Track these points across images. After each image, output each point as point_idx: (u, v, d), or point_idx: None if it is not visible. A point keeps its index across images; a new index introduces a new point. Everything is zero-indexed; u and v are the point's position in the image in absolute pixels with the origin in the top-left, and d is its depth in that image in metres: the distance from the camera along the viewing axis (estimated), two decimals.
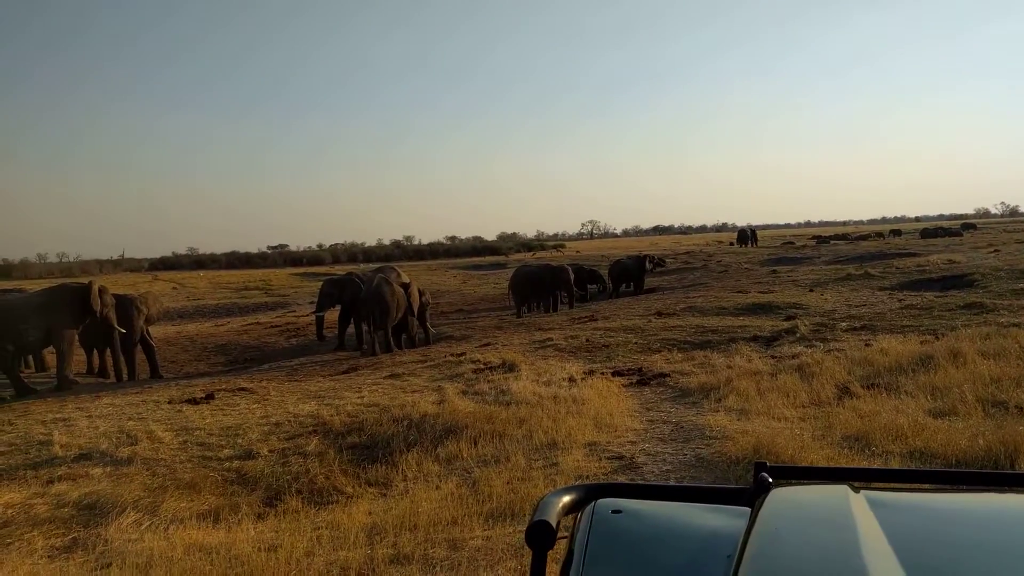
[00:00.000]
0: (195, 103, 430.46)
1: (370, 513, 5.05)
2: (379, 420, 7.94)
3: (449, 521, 4.61)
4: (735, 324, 13.64)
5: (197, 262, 71.53)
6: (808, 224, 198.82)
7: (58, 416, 9.56)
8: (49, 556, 4.68)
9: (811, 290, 19.27)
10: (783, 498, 1.18)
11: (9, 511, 5.57)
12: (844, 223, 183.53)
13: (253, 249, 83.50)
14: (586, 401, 8.01)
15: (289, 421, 8.32)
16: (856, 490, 1.18)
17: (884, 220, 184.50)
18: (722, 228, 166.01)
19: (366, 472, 6.42)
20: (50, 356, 14.96)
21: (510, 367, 10.72)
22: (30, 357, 15.34)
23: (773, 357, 10.31)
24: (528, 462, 5.95)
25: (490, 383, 9.67)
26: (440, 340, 16.76)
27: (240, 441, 7.56)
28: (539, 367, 10.69)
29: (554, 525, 1.17)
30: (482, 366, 11.12)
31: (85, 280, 15.23)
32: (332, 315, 18.01)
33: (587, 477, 5.38)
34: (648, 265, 27.84)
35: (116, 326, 14.17)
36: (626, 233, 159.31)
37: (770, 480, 1.26)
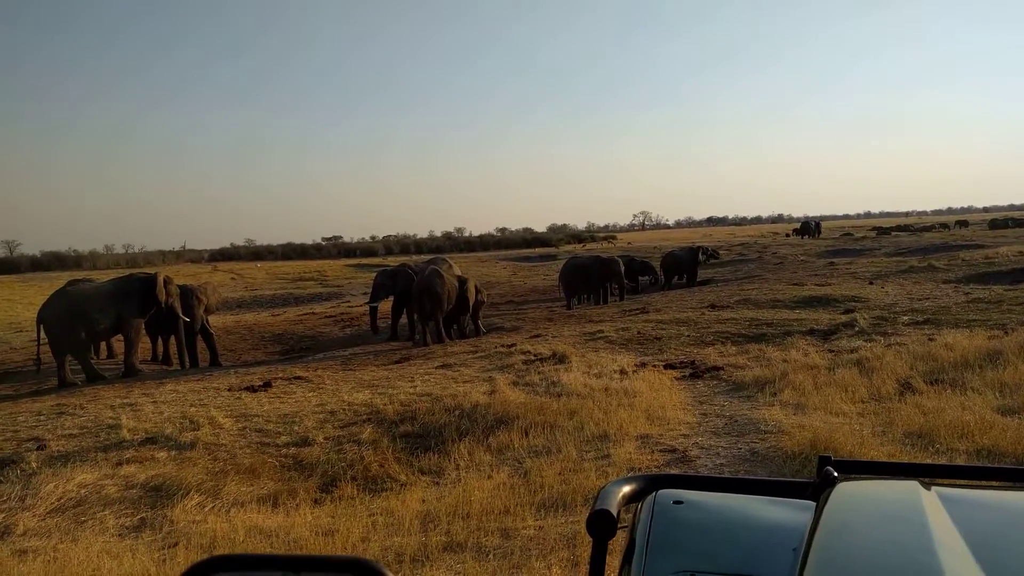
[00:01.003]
0: (250, 99, 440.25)
1: (423, 501, 5.13)
2: (431, 409, 8.03)
3: (501, 510, 4.65)
4: (791, 317, 13.35)
5: (254, 253, 73.39)
6: (868, 215, 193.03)
7: (125, 401, 9.94)
8: (120, 535, 4.89)
9: (871, 283, 18.72)
10: (851, 492, 1.16)
11: (82, 491, 5.84)
12: (906, 214, 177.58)
13: (308, 241, 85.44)
14: (638, 394, 7.96)
15: (344, 409, 8.48)
16: (927, 486, 1.15)
17: (950, 211, 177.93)
18: (778, 219, 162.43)
19: (419, 460, 6.51)
20: (118, 343, 15.55)
21: (560, 359, 10.71)
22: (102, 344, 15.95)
23: (831, 351, 10.06)
24: (579, 454, 5.95)
25: (540, 374, 9.68)
26: (490, 331, 16.84)
27: (296, 428, 7.74)
28: (590, 359, 10.66)
29: (615, 514, 1.18)
30: (532, 357, 11.14)
31: (152, 271, 15.73)
32: (385, 306, 18.27)
33: (639, 470, 5.35)
34: (701, 257, 27.44)
35: (181, 315, 14.63)
36: (679, 224, 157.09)
37: (835, 474, 1.24)
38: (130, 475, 6.33)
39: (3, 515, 5.31)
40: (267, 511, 5.21)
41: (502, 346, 12.89)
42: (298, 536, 4.27)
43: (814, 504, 1.17)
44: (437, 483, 5.80)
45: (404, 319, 17.44)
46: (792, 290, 17.75)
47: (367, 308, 18.29)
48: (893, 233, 50.11)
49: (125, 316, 13.73)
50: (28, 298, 35.18)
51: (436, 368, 11.24)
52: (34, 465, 6.70)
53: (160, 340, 15.85)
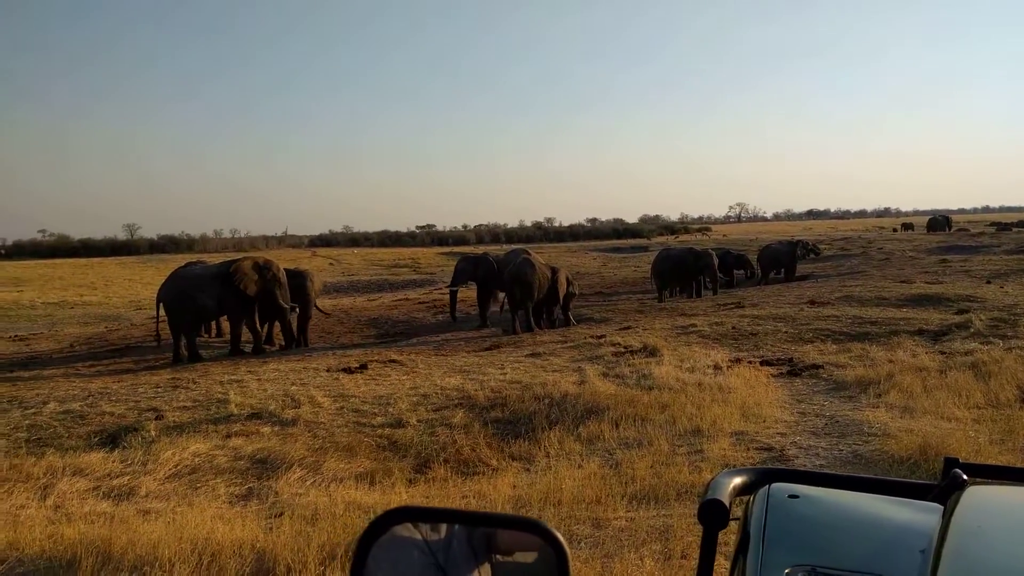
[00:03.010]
0: (348, 91, 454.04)
1: (515, 486, 5.20)
2: (521, 397, 8.11)
3: (592, 500, 4.66)
4: (897, 316, 12.69)
5: (352, 240, 75.99)
6: (987, 209, 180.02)
7: (233, 377, 10.52)
8: (230, 502, 5.19)
9: (988, 282, 17.54)
10: (983, 496, 1.11)
11: (196, 459, 6.23)
12: None
13: (403, 228, 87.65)
14: (732, 389, 7.78)
15: (436, 393, 8.68)
16: None
17: None
18: (884, 213, 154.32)
19: (509, 446, 6.59)
20: (226, 323, 16.33)
21: (651, 351, 10.59)
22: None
23: (942, 353, 9.51)
24: (671, 447, 5.88)
25: (631, 367, 9.61)
26: (580, 322, 16.81)
27: (391, 410, 7.99)
28: (682, 353, 10.48)
29: (727, 505, 1.17)
30: (623, 349, 11.06)
31: (259, 256, 16.28)
32: (468, 293, 18.54)
33: (735, 466, 5.24)
34: (800, 251, 26.41)
35: (280, 300, 14.79)
36: (777, 217, 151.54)
37: (964, 477, 1.18)
38: (238, 447, 6.70)
39: (128, 477, 5.75)
40: (364, 488, 5.41)
41: (591, 337, 12.85)
42: None
43: (940, 507, 1.12)
44: (528, 469, 5.87)
45: (495, 308, 17.64)
46: (899, 288, 16.87)
47: (448, 291, 18.54)
48: (1015, 229, 46.60)
49: (226, 299, 14.23)
50: (146, 278, 37.70)
51: (525, 356, 11.33)
52: (153, 433, 7.20)
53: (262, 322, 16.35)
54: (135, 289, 33.03)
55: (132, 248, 64.69)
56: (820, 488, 1.25)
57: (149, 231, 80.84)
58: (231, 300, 14.22)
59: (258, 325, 15.01)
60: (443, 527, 1.01)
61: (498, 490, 5.03)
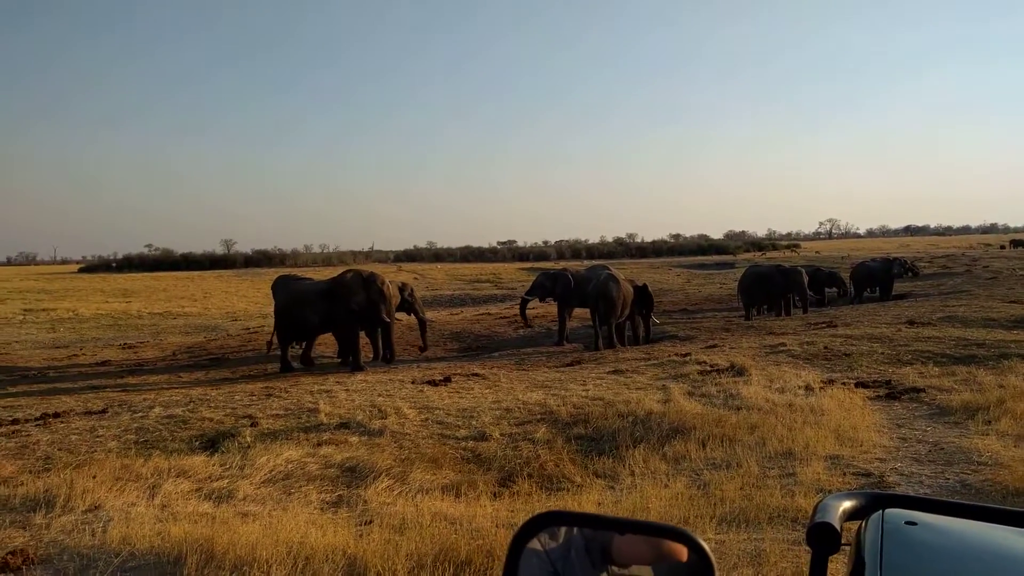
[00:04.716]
0: (421, 102, 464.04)
1: (599, 504, 5.15)
2: (604, 414, 8.04)
3: (679, 520, 4.55)
4: (1007, 338, 11.91)
5: (435, 255, 77.51)
6: None
7: (322, 388, 10.87)
8: (321, 508, 5.35)
9: None
10: None
11: (289, 465, 6.46)
12: None
13: (484, 244, 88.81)
14: (825, 412, 7.48)
15: (518, 408, 8.71)
16: None
17: None
18: (990, 229, 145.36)
19: (593, 463, 6.54)
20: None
21: (739, 371, 10.31)
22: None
23: None
24: (762, 470, 5.69)
25: (717, 386, 9.38)
26: (663, 339, 16.54)
27: (474, 423, 8.06)
28: (771, 373, 10.16)
29: (838, 528, 1.13)
30: (708, 368, 10.82)
31: (364, 268, 16.16)
32: (549, 308, 18.51)
33: (831, 491, 5.02)
34: (896, 270, 25.20)
35: (384, 314, 14.72)
36: (871, 233, 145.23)
37: None
38: (328, 455, 6.91)
39: (227, 481, 6.01)
40: (450, 500, 5.48)
41: (676, 355, 12.62)
42: (480, 526, 4.44)
43: None
44: (612, 487, 5.80)
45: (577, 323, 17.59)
46: (1009, 308, 15.85)
47: (536, 308, 18.46)
48: None
49: (332, 313, 14.34)
50: (241, 291, 39.51)
51: (608, 373, 11.23)
52: (248, 439, 7.50)
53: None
54: (231, 301, 34.63)
55: (229, 262, 68.03)
56: (938, 516, 1.20)
57: (244, 246, 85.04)
58: (337, 314, 14.33)
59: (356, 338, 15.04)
60: (561, 535, 1.02)
61: (583, 507, 4.99)
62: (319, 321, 14.44)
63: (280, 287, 15.34)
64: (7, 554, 4.01)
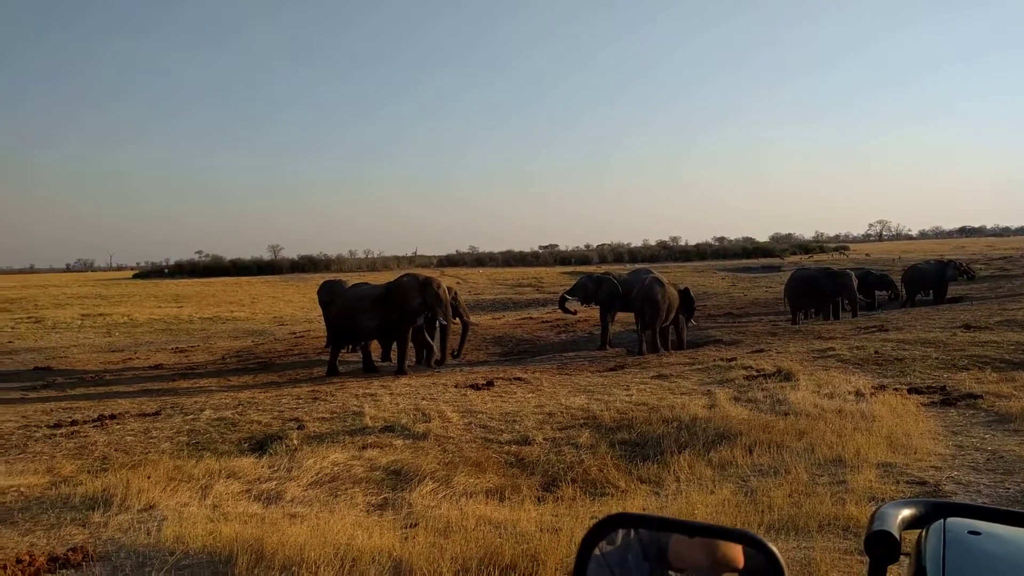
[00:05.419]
0: (455, 109, 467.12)
1: (644, 509, 5.10)
2: (648, 419, 7.98)
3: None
4: None
5: (477, 260, 77.75)
6: None
7: (367, 391, 11.00)
8: (367, 511, 5.42)
9: None
10: None
11: (335, 468, 6.56)
12: None
13: (526, 248, 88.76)
14: (877, 418, 7.29)
15: (561, 412, 8.69)
16: None
17: None
18: None
19: (637, 469, 6.48)
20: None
21: (786, 376, 10.12)
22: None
23: None
24: (811, 477, 5.57)
25: (764, 391, 9.23)
26: (707, 344, 16.33)
27: (517, 427, 8.07)
28: (819, 378, 9.95)
29: (897, 537, 1.11)
30: (755, 373, 10.65)
31: (420, 272, 16.30)
32: (591, 313, 18.42)
33: (883, 501, 4.89)
34: (951, 272, 24.40)
35: (441, 318, 14.70)
36: (923, 235, 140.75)
37: None
38: (373, 458, 6.99)
39: (275, 482, 6.13)
40: (494, 504, 5.49)
41: (721, 359, 12.45)
42: (524, 530, 4.44)
43: None
44: (657, 493, 5.74)
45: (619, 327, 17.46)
46: None
47: (568, 302, 18.24)
48: None
49: (388, 317, 14.40)
50: (288, 296, 40.24)
51: (651, 378, 11.13)
52: (295, 442, 7.64)
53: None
54: (278, 306, 35.32)
55: (276, 268, 69.37)
56: (1003, 526, 1.16)
57: (291, 251, 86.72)
58: (393, 317, 14.38)
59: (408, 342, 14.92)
60: (619, 538, 1.02)
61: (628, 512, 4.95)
62: (376, 325, 14.50)
63: (331, 292, 15.54)
64: (68, 550, 4.17)
